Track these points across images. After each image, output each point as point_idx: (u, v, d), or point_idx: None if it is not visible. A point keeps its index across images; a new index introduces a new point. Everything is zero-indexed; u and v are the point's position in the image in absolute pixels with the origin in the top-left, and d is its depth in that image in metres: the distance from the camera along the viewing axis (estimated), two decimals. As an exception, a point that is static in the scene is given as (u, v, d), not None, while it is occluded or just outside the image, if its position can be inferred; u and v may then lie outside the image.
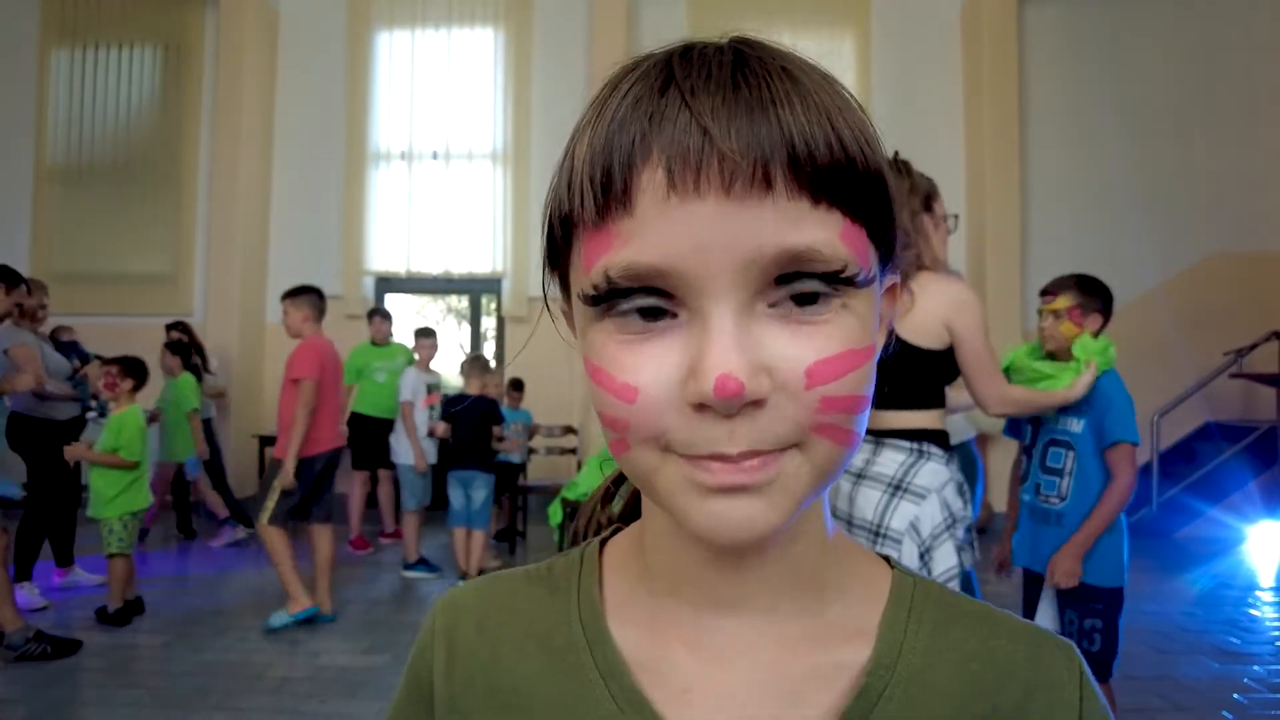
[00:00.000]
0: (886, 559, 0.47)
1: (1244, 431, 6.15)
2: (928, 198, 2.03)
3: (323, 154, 6.89)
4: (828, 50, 6.81)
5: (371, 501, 5.83)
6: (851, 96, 0.38)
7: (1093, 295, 2.34)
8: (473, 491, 4.67)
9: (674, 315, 0.36)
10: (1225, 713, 2.98)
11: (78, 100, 7.07)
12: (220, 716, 2.89)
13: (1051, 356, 2.36)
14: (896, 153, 2.05)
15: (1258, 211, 6.47)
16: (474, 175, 6.85)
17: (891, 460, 1.93)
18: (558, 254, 0.40)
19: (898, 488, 1.90)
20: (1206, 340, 6.18)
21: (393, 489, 5.78)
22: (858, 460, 1.99)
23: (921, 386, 1.97)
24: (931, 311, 1.92)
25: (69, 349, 4.53)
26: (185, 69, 7.07)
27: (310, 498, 3.97)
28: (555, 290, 0.43)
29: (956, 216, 2.14)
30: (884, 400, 1.98)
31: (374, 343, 5.73)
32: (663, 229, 0.34)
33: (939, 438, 1.96)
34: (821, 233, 0.35)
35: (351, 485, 5.70)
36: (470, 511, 4.69)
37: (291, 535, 3.96)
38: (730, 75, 0.35)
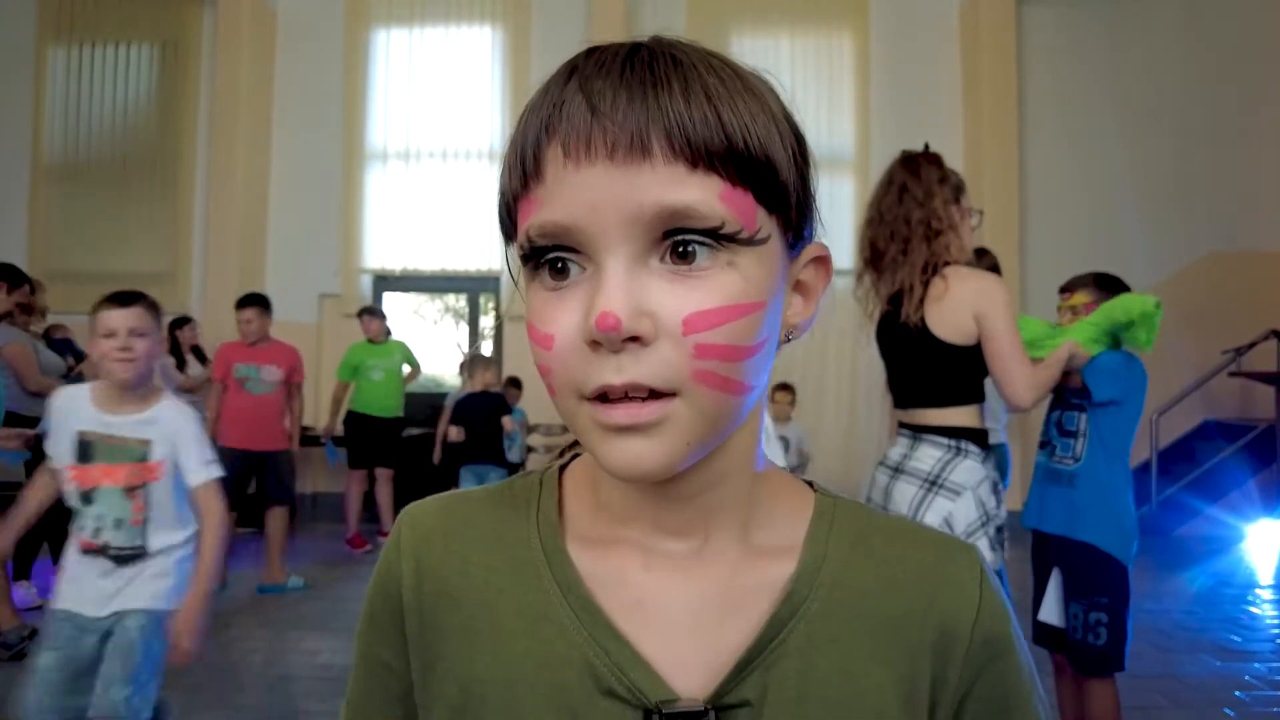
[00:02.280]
0: (810, 484, 0.53)
1: (1242, 430, 6.16)
2: (957, 190, 2.05)
3: (320, 152, 6.87)
4: (826, 49, 6.82)
5: (369, 501, 5.82)
6: (767, 95, 0.44)
7: (1109, 291, 2.38)
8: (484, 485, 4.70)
9: (582, 270, 0.42)
10: (1227, 710, 2.98)
11: (74, 98, 7.04)
12: (218, 715, 2.88)
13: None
14: (927, 145, 2.11)
15: (1256, 210, 6.48)
16: (472, 173, 6.83)
17: (929, 456, 1.95)
18: (510, 232, 0.46)
19: (933, 483, 1.92)
20: (1205, 339, 6.19)
21: (391, 488, 5.78)
22: (895, 454, 2.02)
23: (957, 383, 1.97)
24: (962, 302, 1.91)
25: (63, 347, 4.50)
26: (182, 67, 7.05)
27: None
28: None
29: (981, 213, 2.14)
30: (921, 398, 2.01)
31: (370, 341, 5.71)
32: (564, 192, 0.41)
33: (977, 436, 1.96)
34: (699, 193, 0.40)
35: (349, 484, 5.69)
36: None
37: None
38: (620, 64, 0.41)
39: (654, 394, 0.40)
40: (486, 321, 7.37)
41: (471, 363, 5.00)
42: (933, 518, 1.89)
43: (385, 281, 7.02)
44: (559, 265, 0.42)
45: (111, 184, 7.00)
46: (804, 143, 0.46)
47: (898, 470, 1.99)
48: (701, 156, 0.40)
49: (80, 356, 4.79)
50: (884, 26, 6.73)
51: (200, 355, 5.84)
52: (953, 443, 1.94)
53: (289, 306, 6.86)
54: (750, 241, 0.41)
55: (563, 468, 0.55)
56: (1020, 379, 1.92)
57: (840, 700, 0.46)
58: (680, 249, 0.41)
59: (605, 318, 0.39)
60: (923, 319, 1.95)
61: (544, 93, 0.43)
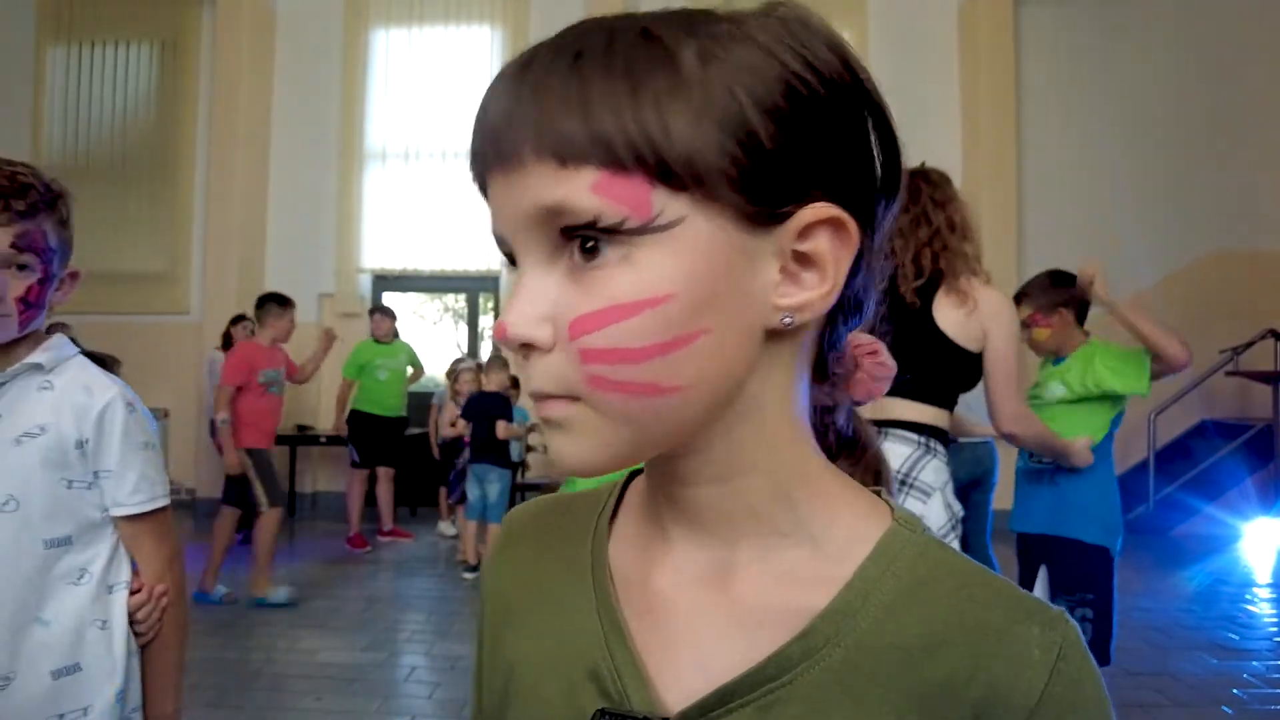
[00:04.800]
0: (891, 505, 0.46)
1: (1240, 429, 6.17)
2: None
3: (319, 151, 6.88)
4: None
5: (370, 500, 5.83)
6: (718, 45, 0.38)
7: (1052, 290, 2.38)
8: (487, 486, 4.74)
9: None
10: (1225, 708, 2.98)
11: (74, 98, 7.04)
12: (217, 714, 2.88)
13: (1058, 355, 2.41)
14: (923, 163, 2.07)
15: (1254, 210, 6.49)
16: (470, 173, 6.83)
17: (897, 454, 1.89)
18: None
19: (903, 483, 1.88)
20: (1202, 338, 6.16)
21: (392, 487, 5.79)
22: None
23: (945, 382, 1.95)
24: (977, 314, 1.92)
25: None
26: (182, 66, 7.05)
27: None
28: None
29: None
30: (902, 387, 1.92)
31: (377, 340, 5.73)
32: (491, 204, 0.43)
33: (944, 437, 1.95)
34: (567, 188, 0.37)
35: (351, 483, 5.69)
36: (485, 505, 4.73)
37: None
38: (514, 68, 0.41)
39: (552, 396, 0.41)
40: (486, 321, 7.38)
41: (490, 362, 5.06)
42: None
43: (384, 281, 7.03)
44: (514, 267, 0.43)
45: (111, 183, 7.00)
46: (807, 90, 0.38)
47: None
48: (568, 151, 0.37)
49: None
50: (882, 26, 6.73)
51: None
52: (922, 439, 1.90)
53: (288, 306, 6.88)
54: (644, 230, 0.37)
55: (635, 473, 0.53)
56: (1007, 411, 1.94)
57: None
58: (585, 245, 0.38)
59: (499, 328, 0.40)
60: (931, 315, 1.94)
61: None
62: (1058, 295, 2.37)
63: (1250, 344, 6.07)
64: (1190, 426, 6.34)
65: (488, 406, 4.82)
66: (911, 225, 1.96)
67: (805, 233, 0.39)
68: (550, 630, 0.49)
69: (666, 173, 0.37)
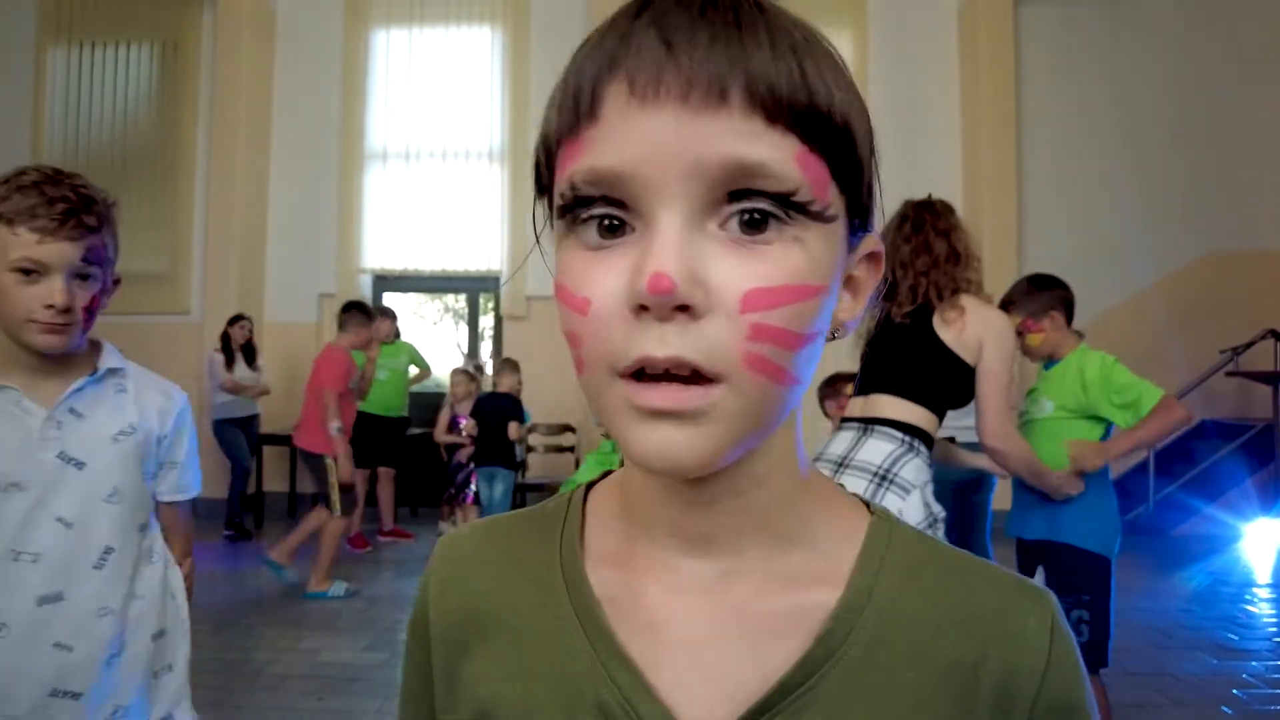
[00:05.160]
0: (866, 503, 0.47)
1: (1240, 429, 6.18)
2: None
3: (320, 152, 6.88)
4: (825, 49, 6.82)
5: (370, 500, 5.83)
6: (839, 60, 0.40)
7: (1038, 294, 2.38)
8: (494, 485, 4.80)
9: (632, 229, 0.37)
10: (1224, 708, 2.99)
11: (74, 99, 7.04)
12: (219, 714, 2.88)
13: (1052, 358, 2.41)
14: (930, 194, 2.13)
15: (1253, 210, 6.49)
16: (471, 173, 6.84)
17: (879, 450, 1.92)
18: (547, 183, 0.41)
19: (884, 478, 1.89)
20: (1202, 338, 6.20)
21: (393, 487, 5.79)
22: (838, 448, 1.99)
23: (935, 385, 1.97)
24: (973, 327, 1.96)
25: None
26: (182, 67, 7.05)
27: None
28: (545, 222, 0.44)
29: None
30: (891, 384, 1.98)
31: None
32: (622, 134, 0.36)
33: (927, 439, 1.96)
34: (774, 151, 0.35)
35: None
36: (492, 504, 4.78)
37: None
38: (701, 3, 0.37)
39: (697, 376, 0.36)
40: (486, 321, 7.38)
41: (503, 364, 5.13)
42: None
43: (385, 281, 7.03)
44: (607, 222, 0.37)
45: (111, 184, 6.73)
46: (870, 123, 0.41)
47: (843, 465, 1.94)
48: (783, 111, 0.35)
49: None
50: (882, 28, 6.73)
51: (250, 354, 5.90)
52: (906, 438, 1.92)
53: (288, 307, 6.88)
54: (820, 216, 0.37)
55: (590, 487, 0.51)
56: (993, 427, 1.97)
57: None
58: (748, 216, 0.36)
59: (659, 279, 0.34)
60: (930, 326, 1.98)
61: (608, 27, 0.38)
62: (1046, 299, 2.37)
63: (1250, 344, 6.08)
64: (1190, 427, 6.34)
65: (499, 408, 4.86)
66: (913, 254, 2.01)
67: (860, 259, 0.43)
68: (534, 668, 0.45)
69: (845, 167, 0.38)
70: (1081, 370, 2.29)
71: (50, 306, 1.16)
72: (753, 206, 0.36)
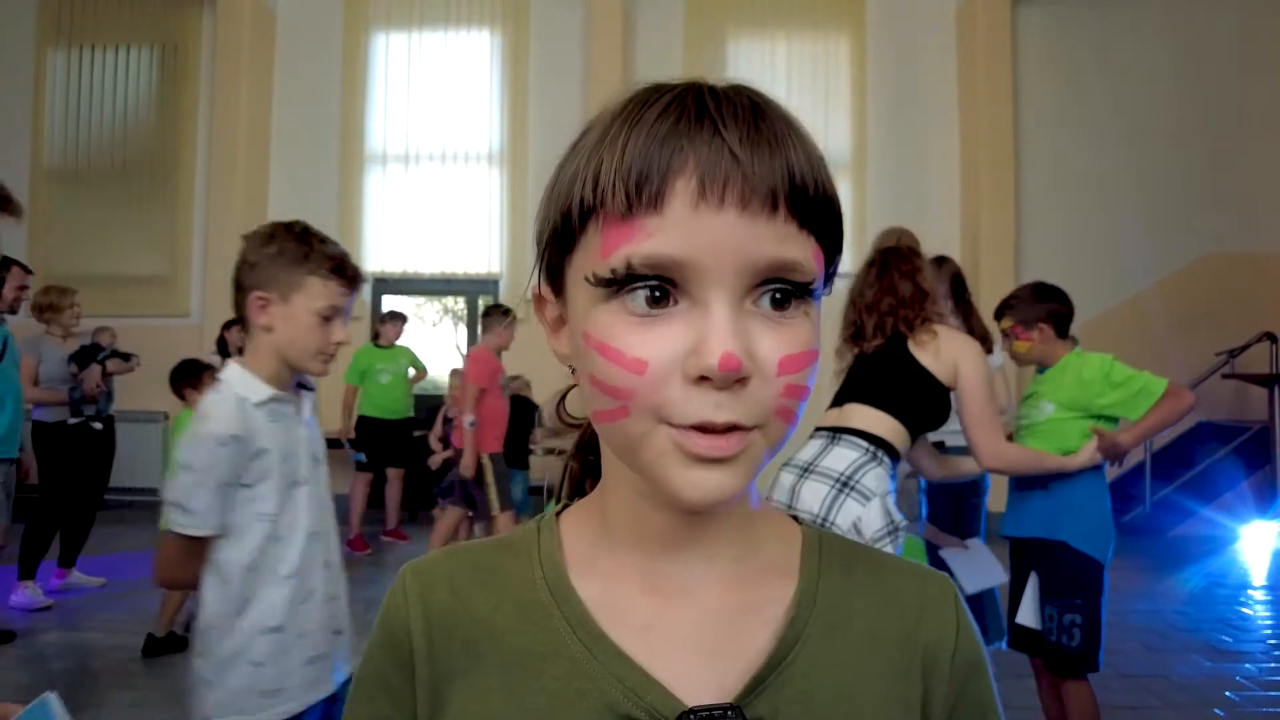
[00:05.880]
0: (794, 517, 0.56)
1: (1236, 431, 6.20)
2: (956, 276, 2.61)
3: (319, 155, 6.90)
4: (823, 52, 6.85)
5: (377, 502, 5.85)
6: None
7: (1034, 304, 2.40)
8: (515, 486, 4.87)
9: (676, 303, 0.43)
10: (1218, 710, 3.00)
11: (74, 101, 7.06)
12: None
13: (1042, 365, 2.42)
14: (899, 239, 2.29)
15: (1250, 212, 6.52)
16: (470, 176, 6.86)
17: (843, 457, 1.98)
18: (562, 245, 0.47)
19: (845, 484, 1.94)
20: (1199, 340, 6.22)
21: (401, 486, 5.82)
22: (806, 455, 2.05)
23: (909, 400, 2.03)
24: (948, 350, 2.03)
25: (92, 352, 4.45)
26: (182, 70, 7.07)
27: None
28: (546, 286, 0.51)
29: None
30: (863, 394, 2.05)
31: (377, 345, 5.76)
32: (688, 229, 0.41)
33: (893, 451, 2.01)
34: (803, 251, 0.43)
35: (354, 486, 5.71)
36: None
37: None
38: (752, 116, 0.43)
39: (738, 425, 0.42)
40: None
41: (514, 377, 5.18)
42: (843, 520, 1.91)
43: (384, 284, 7.04)
44: (657, 293, 0.42)
45: (111, 187, 7.01)
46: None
47: (808, 470, 2.00)
48: (810, 216, 0.43)
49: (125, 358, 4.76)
50: (880, 29, 6.76)
51: None
52: (870, 447, 1.98)
53: (288, 309, 6.89)
54: (818, 296, 0.46)
55: (558, 514, 0.56)
56: (988, 449, 2.02)
57: (841, 718, 0.48)
58: (777, 295, 0.43)
59: (729, 359, 0.40)
60: (906, 348, 2.06)
61: (673, 120, 0.42)
62: (1039, 309, 2.39)
63: (1246, 346, 6.10)
64: (1187, 429, 6.36)
65: (519, 411, 4.94)
66: (876, 297, 2.12)
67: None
68: (532, 683, 0.48)
69: (832, 250, 0.46)
70: (1079, 370, 2.31)
71: (339, 344, 1.51)
72: (780, 288, 0.43)
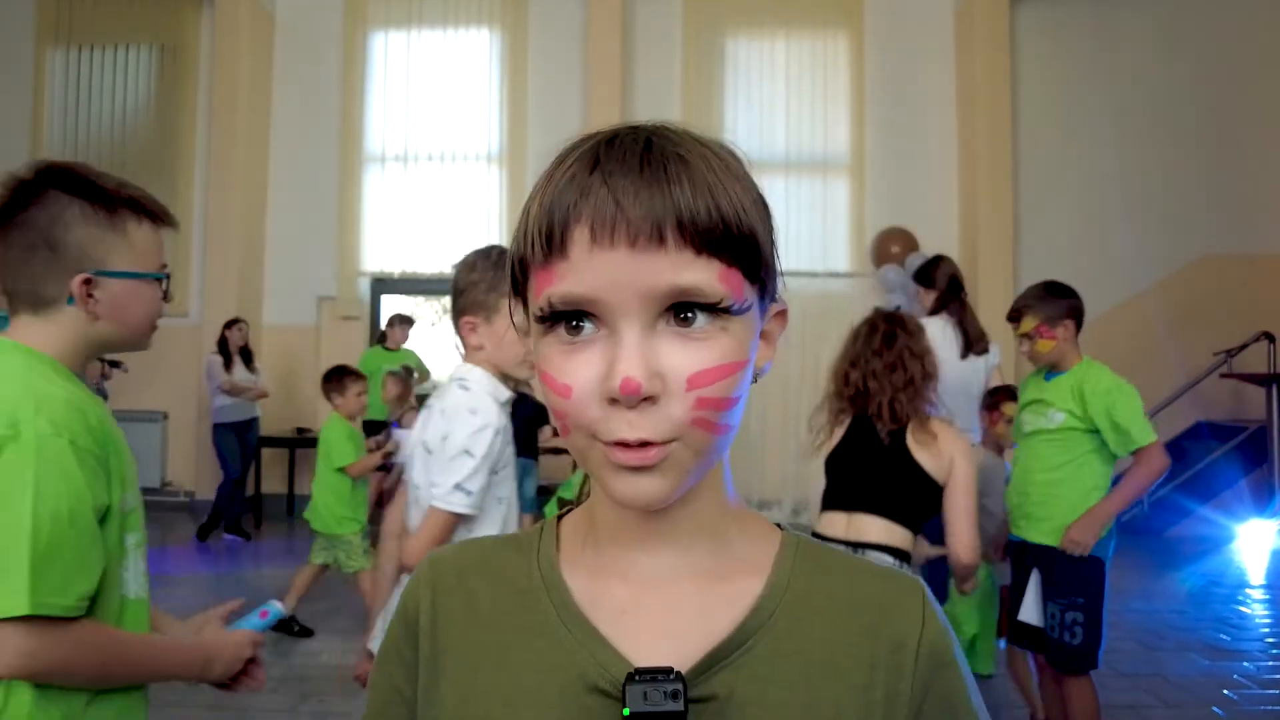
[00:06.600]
0: (778, 524, 0.61)
1: (1234, 431, 6.21)
2: (953, 276, 2.58)
3: (318, 154, 6.90)
4: (821, 51, 6.85)
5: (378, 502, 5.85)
6: (745, 174, 0.51)
7: (1054, 301, 2.39)
8: (524, 483, 4.89)
9: (595, 329, 0.48)
10: (1216, 709, 3.01)
11: (73, 101, 7.06)
12: (220, 715, 2.90)
13: (1055, 368, 2.41)
14: (898, 307, 2.30)
15: (1248, 213, 6.53)
16: (469, 176, 6.86)
17: None
18: (520, 285, 0.53)
19: None
20: (1197, 340, 6.23)
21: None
22: None
23: (914, 506, 2.06)
24: (947, 450, 2.06)
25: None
26: (181, 70, 7.07)
27: None
28: (520, 313, 0.56)
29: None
30: (874, 504, 2.08)
31: (384, 347, 5.76)
32: (587, 269, 0.47)
33: (909, 560, 2.07)
34: (704, 274, 0.47)
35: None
36: (524, 500, 4.90)
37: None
38: (638, 161, 0.48)
39: (649, 443, 0.47)
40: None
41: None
42: None
43: (383, 284, 7.04)
44: (575, 324, 0.48)
45: None
46: (769, 211, 0.53)
47: None
48: (705, 244, 0.47)
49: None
50: (879, 29, 6.76)
51: (247, 357, 5.90)
52: (896, 563, 2.01)
53: (287, 309, 6.89)
54: (740, 311, 0.49)
55: (560, 517, 0.62)
56: (967, 544, 2.04)
57: (801, 704, 0.52)
58: (681, 314, 0.48)
59: (628, 383, 0.45)
60: (906, 447, 2.07)
61: (569, 174, 0.49)
62: (1063, 306, 2.37)
63: (1244, 346, 6.12)
64: (1185, 428, 6.38)
65: (530, 409, 4.97)
66: (886, 369, 2.11)
67: (771, 318, 0.55)
68: (521, 658, 0.55)
69: (754, 270, 0.50)
70: (1082, 381, 2.31)
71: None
72: (681, 309, 0.48)
